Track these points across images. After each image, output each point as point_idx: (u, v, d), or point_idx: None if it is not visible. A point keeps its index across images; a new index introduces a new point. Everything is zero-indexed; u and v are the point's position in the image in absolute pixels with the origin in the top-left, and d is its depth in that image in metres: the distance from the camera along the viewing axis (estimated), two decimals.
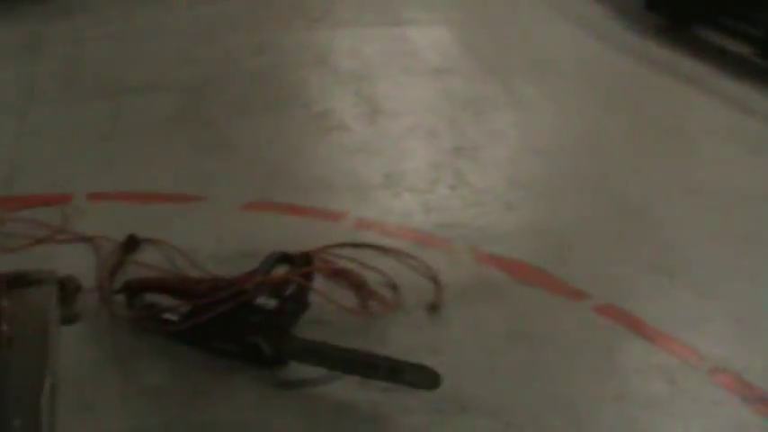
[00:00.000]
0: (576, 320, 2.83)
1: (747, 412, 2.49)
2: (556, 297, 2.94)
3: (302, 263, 2.71)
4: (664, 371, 2.62)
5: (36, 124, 4.05)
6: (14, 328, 1.85)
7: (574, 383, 2.57)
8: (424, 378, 2.40)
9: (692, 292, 2.98)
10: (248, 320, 2.55)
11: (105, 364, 2.62)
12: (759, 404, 2.51)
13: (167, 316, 2.70)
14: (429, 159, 3.84)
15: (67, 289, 2.12)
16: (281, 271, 2.71)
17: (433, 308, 2.84)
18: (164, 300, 2.74)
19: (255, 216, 3.40)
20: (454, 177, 3.67)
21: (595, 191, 3.60)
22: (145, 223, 3.28)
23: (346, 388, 2.51)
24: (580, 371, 2.63)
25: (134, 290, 2.78)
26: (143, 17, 5.34)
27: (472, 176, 3.68)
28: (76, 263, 3.04)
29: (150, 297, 2.78)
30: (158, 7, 5.48)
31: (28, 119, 4.10)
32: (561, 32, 5.26)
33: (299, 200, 3.48)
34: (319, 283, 2.82)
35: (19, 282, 2.05)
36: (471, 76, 4.64)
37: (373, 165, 3.77)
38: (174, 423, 2.40)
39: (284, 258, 2.75)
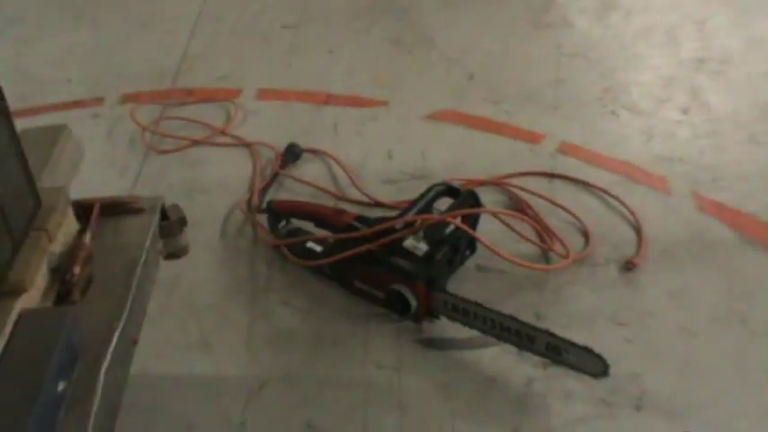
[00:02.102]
0: None
1: None
2: None
3: (470, 199, 2.21)
4: None
5: (216, 7, 3.74)
6: (99, 267, 1.54)
7: None
8: (589, 363, 1.87)
9: None
10: (394, 265, 2.10)
11: (235, 296, 2.28)
12: None
13: (311, 245, 2.31)
14: (661, 71, 3.14)
15: (171, 219, 1.77)
16: (446, 205, 2.23)
17: (629, 266, 2.25)
18: (308, 228, 2.36)
19: (438, 128, 2.91)
20: (689, 97, 2.97)
21: None
22: (313, 128, 2.91)
23: (500, 357, 2.03)
24: None
25: (277, 212, 2.41)
26: None
27: (712, 97, 2.96)
28: (230, 170, 2.75)
29: (295, 223, 2.41)
30: None
31: (210, 3, 3.80)
32: None
33: (493, 112, 2.95)
34: (490, 222, 2.30)
35: (115, 210, 1.73)
36: None
37: (591, 73, 3.14)
38: (295, 376, 2.03)
39: (449, 191, 2.26)
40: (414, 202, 2.23)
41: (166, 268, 1.79)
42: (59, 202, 1.62)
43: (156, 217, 1.77)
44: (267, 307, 2.23)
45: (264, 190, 2.62)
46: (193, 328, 2.18)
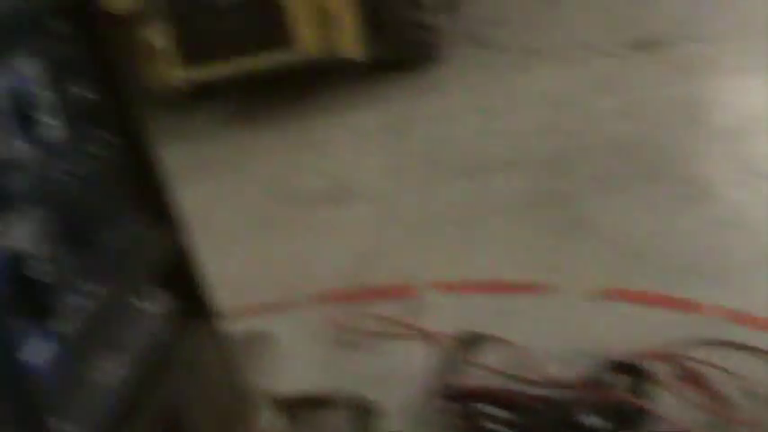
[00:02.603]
0: None
1: None
2: None
3: (643, 374, 2.36)
4: None
5: (394, 209, 4.11)
6: None
7: None
8: None
9: None
10: None
11: None
12: None
13: (492, 427, 2.49)
14: None
15: (362, 411, 2.02)
16: (620, 381, 2.38)
17: None
18: (488, 410, 2.54)
19: (606, 306, 3.08)
20: None
21: None
22: (488, 316, 3.14)
23: None
24: None
25: (464, 397, 2.62)
26: (514, 87, 5.28)
27: None
28: (414, 361, 2.98)
29: (476, 406, 2.60)
30: (530, 75, 5.39)
31: (388, 203, 4.18)
32: None
33: (656, 286, 3.11)
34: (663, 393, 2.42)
35: (313, 404, 2.00)
36: None
37: (745, 241, 3.26)
38: None
39: (624, 367, 2.41)
40: (590, 379, 2.38)
41: None
42: (263, 399, 1.89)
43: (351, 411, 2.01)
44: None
45: (446, 376, 2.83)
46: None
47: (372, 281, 3.55)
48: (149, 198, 1.84)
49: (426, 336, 3.11)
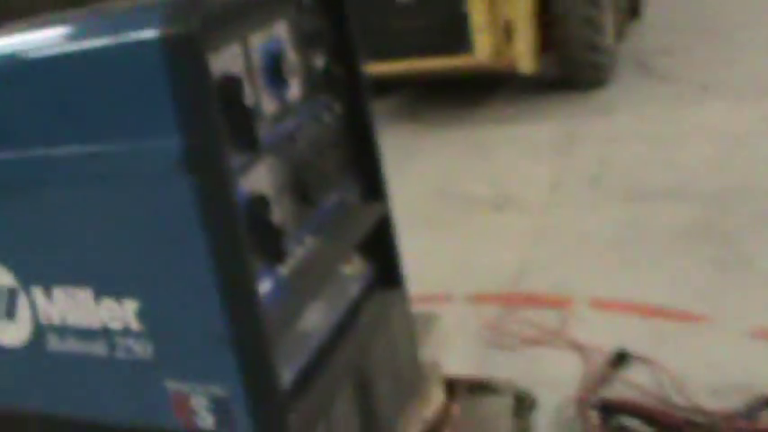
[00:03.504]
0: None
1: None
2: None
3: None
4: None
5: (554, 223, 4.22)
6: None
7: None
8: None
9: None
10: None
11: None
12: None
13: None
14: None
15: (523, 402, 2.16)
16: None
17: None
18: (635, 426, 2.64)
19: (761, 348, 3.11)
20: None
21: None
22: (640, 338, 3.21)
23: None
24: None
25: (610, 409, 2.72)
26: (682, 118, 5.30)
27: None
28: (562, 370, 3.09)
29: (625, 420, 2.70)
30: (699, 108, 5.40)
31: (549, 217, 4.29)
32: None
33: None
34: None
35: (476, 389, 2.15)
36: None
37: None
38: None
39: None
40: (740, 413, 2.45)
41: None
42: (434, 374, 2.06)
43: (511, 398, 2.16)
44: None
45: (594, 388, 2.94)
46: None
47: (528, 288, 3.68)
48: (365, 169, 2.02)
49: (578, 347, 3.21)
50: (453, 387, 2.12)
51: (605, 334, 3.27)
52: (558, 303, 3.54)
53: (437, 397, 2.05)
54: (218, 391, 1.59)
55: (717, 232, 3.97)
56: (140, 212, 1.55)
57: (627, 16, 7.04)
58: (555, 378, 3.07)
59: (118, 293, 1.63)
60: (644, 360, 3.08)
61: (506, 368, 3.16)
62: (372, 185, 2.05)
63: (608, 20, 5.99)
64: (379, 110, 6.12)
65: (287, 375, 1.68)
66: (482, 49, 5.45)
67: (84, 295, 1.66)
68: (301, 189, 1.74)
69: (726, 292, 3.49)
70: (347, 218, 1.94)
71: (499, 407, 2.12)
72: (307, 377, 1.73)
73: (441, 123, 5.74)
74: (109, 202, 1.57)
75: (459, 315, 3.56)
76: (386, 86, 6.10)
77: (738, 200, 4.22)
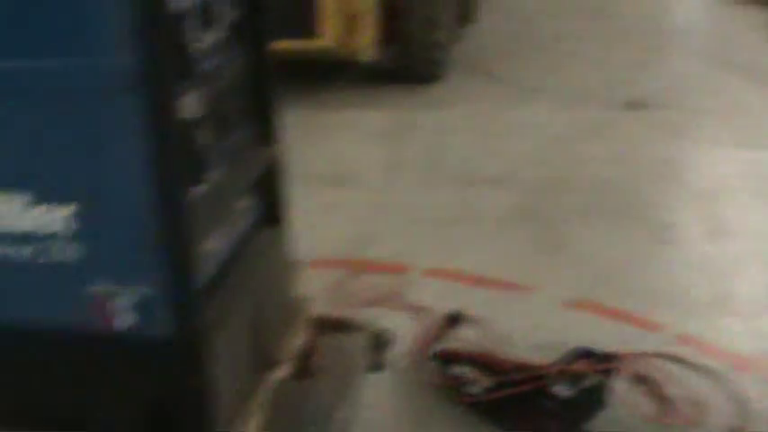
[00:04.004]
0: None
1: None
2: None
3: (605, 361, 2.76)
4: None
5: (391, 201, 4.49)
6: (325, 362, 2.14)
7: None
8: None
9: None
10: (542, 406, 2.64)
11: (400, 419, 2.83)
12: None
13: (469, 388, 2.86)
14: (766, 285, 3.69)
15: (379, 340, 2.38)
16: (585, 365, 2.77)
17: None
18: (469, 373, 2.91)
19: (575, 315, 3.48)
20: None
21: None
22: (471, 303, 3.50)
23: None
24: None
25: (445, 358, 2.98)
26: (509, 116, 5.73)
27: None
28: (400, 327, 3.33)
29: (457, 369, 2.97)
30: (525, 108, 5.84)
31: (386, 195, 4.55)
32: None
33: (621, 305, 3.52)
34: (620, 386, 2.82)
35: (338, 326, 2.35)
36: None
37: (704, 283, 3.70)
38: None
39: (588, 354, 2.81)
40: (560, 360, 2.77)
41: None
42: (305, 310, 2.25)
43: (368, 335, 2.38)
44: None
45: (429, 343, 3.20)
46: None
47: (367, 256, 3.91)
48: (262, 115, 2.25)
49: (414, 309, 3.47)
50: (321, 323, 2.31)
51: (439, 299, 3.54)
52: (394, 270, 3.79)
53: (307, 330, 2.23)
54: (145, 290, 1.75)
55: (537, 217, 4.36)
56: (85, 124, 1.69)
57: (462, 20, 7.45)
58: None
59: (54, 199, 1.75)
60: (475, 321, 3.37)
61: None
62: (267, 131, 2.27)
63: (444, 20, 6.35)
64: None
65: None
66: (329, 35, 5.66)
67: (20, 200, 1.76)
68: (217, 122, 1.90)
69: (545, 267, 3.86)
70: (245, 157, 2.12)
71: (359, 342, 2.32)
72: (209, 291, 1.89)
73: (285, 105, 5.88)
74: (55, 113, 1.70)
75: (303, 277, 3.74)
76: None
77: (555, 190, 4.65)
